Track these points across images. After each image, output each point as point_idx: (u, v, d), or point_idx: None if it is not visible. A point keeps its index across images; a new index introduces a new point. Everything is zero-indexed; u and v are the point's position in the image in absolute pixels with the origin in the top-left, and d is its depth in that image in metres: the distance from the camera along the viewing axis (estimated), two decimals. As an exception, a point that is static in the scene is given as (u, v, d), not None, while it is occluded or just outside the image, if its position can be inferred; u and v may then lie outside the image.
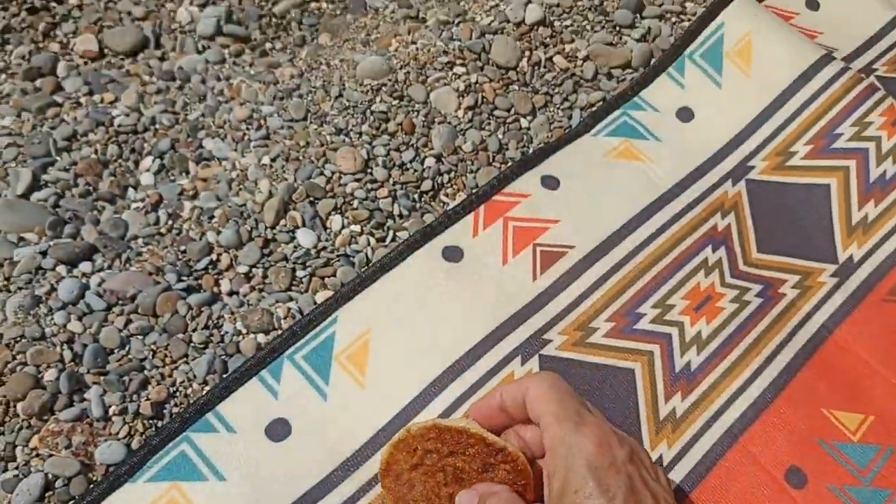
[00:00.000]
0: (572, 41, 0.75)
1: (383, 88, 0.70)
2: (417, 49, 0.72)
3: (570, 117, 0.72)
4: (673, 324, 0.60)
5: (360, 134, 0.67)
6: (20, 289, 0.58)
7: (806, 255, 0.65)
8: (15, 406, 0.53)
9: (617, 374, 0.57)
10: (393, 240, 0.64)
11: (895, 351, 0.61)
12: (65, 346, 0.55)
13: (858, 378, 0.60)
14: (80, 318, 0.57)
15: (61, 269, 0.60)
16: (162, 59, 0.81)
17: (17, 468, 0.51)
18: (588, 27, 0.76)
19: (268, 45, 0.84)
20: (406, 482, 0.48)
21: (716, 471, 0.55)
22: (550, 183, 0.66)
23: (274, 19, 0.86)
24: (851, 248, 0.65)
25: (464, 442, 0.47)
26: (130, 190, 0.68)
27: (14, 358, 0.55)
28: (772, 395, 0.58)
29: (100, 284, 0.59)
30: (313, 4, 0.87)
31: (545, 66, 0.73)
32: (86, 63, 0.80)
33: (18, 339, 0.55)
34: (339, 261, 0.62)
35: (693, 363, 0.59)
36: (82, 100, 0.75)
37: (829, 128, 0.69)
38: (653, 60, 0.75)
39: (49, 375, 0.54)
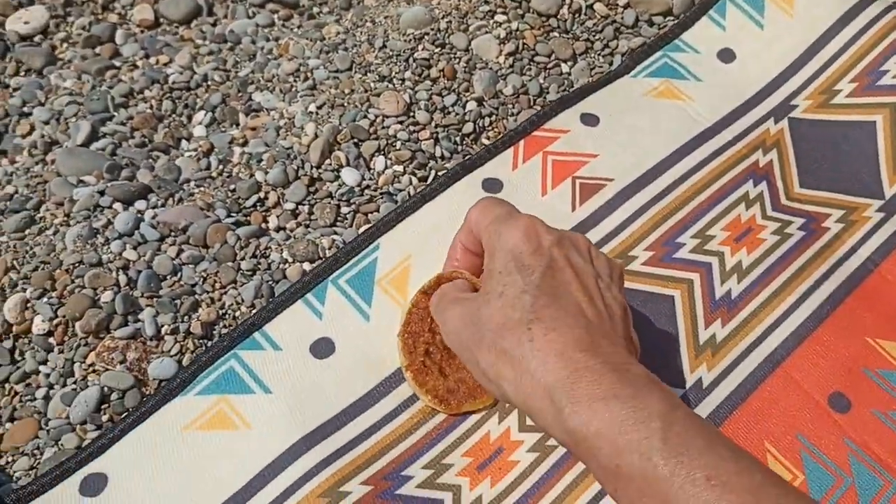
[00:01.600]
0: (613, -10, 0.75)
1: (426, 37, 0.71)
2: (459, 0, 0.73)
3: (611, 63, 0.72)
4: (713, 253, 0.60)
5: (403, 80, 0.69)
6: (78, 223, 0.61)
7: (850, 190, 0.64)
8: (73, 325, 0.55)
9: (656, 300, 0.57)
10: (435, 179, 0.65)
11: (943, 285, 0.59)
12: (120, 272, 0.57)
13: (905, 310, 0.59)
14: (134, 248, 0.59)
15: (118, 206, 0.62)
16: (214, 24, 0.84)
17: (74, 383, 0.54)
18: (628, -23, 0.76)
19: (315, 10, 0.86)
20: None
21: (757, 394, 0.54)
22: (590, 120, 0.66)
23: (322, -14, 0.88)
24: (899, 184, 0.64)
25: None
26: (184, 141, 0.70)
27: (73, 281, 0.57)
28: (814, 324, 0.57)
29: (154, 218, 0.61)
30: (360, -27, 0.90)
31: (585, 14, 0.74)
32: (142, 31, 0.83)
33: (77, 264, 0.58)
34: (381, 198, 0.63)
35: (734, 291, 0.58)
36: (139, 62, 0.78)
37: (874, 65, 0.68)
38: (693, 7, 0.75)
39: (105, 297, 0.56)
